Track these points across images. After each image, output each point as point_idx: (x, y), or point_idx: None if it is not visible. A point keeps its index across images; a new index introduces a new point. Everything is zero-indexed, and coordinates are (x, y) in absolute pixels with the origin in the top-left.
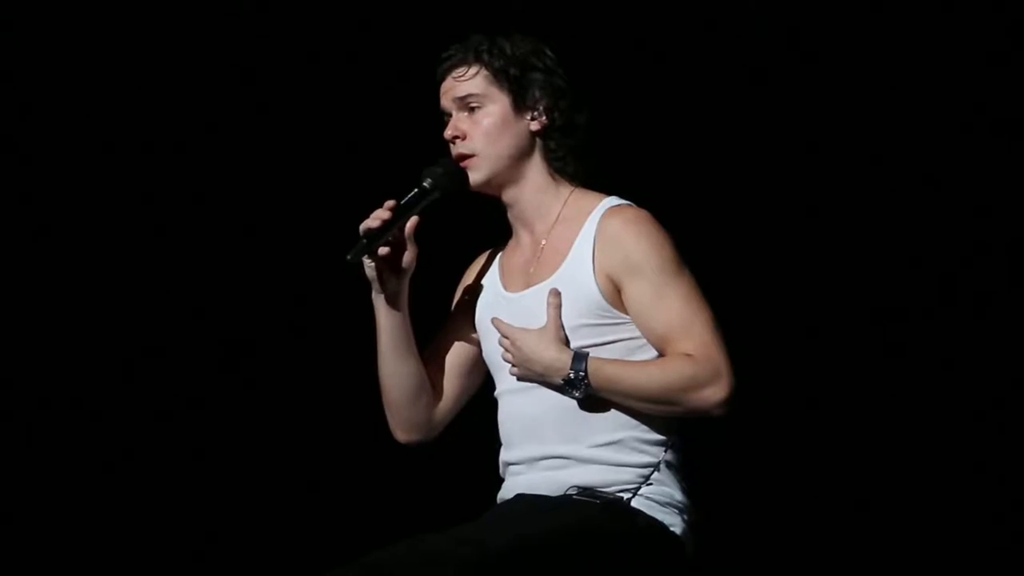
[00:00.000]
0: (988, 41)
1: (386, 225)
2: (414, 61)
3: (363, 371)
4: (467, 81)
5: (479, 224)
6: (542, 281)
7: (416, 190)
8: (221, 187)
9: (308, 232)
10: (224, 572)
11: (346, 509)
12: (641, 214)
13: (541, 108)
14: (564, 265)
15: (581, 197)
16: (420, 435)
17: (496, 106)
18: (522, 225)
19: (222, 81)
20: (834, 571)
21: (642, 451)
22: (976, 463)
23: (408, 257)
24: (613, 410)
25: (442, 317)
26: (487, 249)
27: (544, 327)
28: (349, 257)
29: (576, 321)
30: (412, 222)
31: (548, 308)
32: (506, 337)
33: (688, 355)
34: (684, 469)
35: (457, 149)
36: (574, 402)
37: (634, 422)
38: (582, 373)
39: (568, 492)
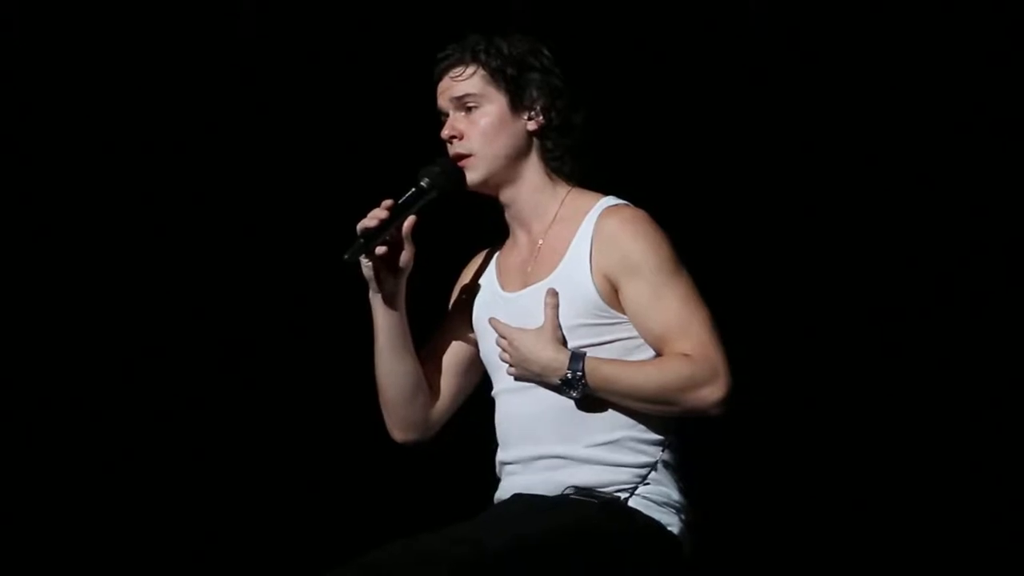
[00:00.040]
0: (988, 41)
1: (384, 224)
2: (413, 61)
3: (360, 370)
4: (464, 81)
5: (476, 224)
6: (539, 281)
7: (413, 189)
8: (221, 187)
9: (306, 231)
10: (224, 572)
11: (344, 509)
12: (638, 214)
13: (538, 108)
14: (561, 265)
15: (578, 197)
16: (417, 434)
17: (493, 106)
18: (519, 225)
19: (222, 81)
20: (832, 571)
21: (639, 451)
22: (975, 463)
23: (405, 256)
24: (610, 410)
25: (439, 316)
26: (484, 249)
27: (541, 327)
28: (347, 256)
29: (573, 321)
30: (410, 221)
31: (546, 308)
32: (503, 337)
33: (686, 355)
34: (681, 469)
35: (454, 149)
36: (571, 402)
37: (631, 422)
38: (579, 373)
39: (565, 492)
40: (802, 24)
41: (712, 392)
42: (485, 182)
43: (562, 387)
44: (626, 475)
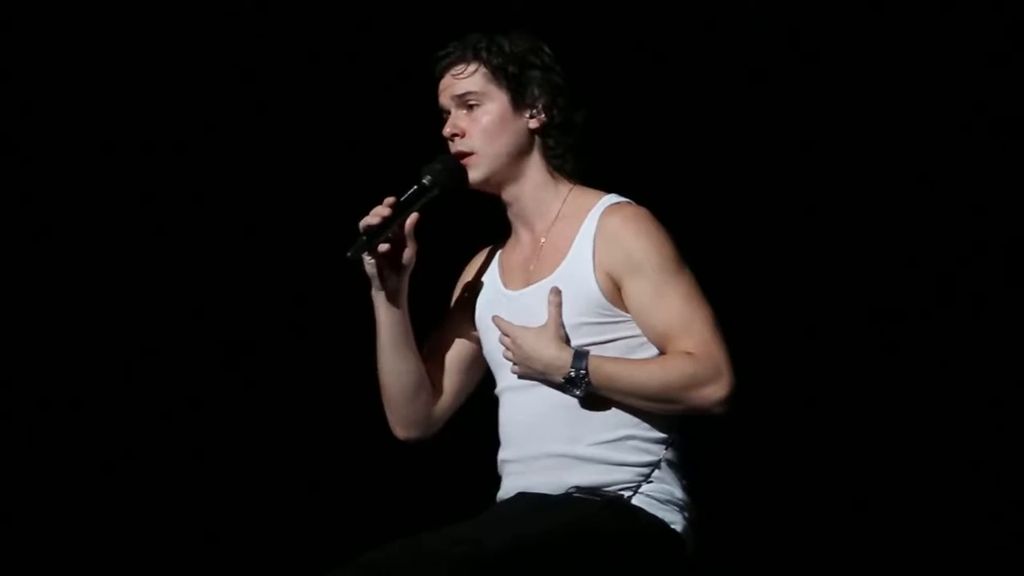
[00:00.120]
0: (988, 41)
1: (386, 222)
2: (413, 61)
3: (363, 368)
4: (466, 79)
5: (478, 221)
6: (542, 279)
7: (415, 187)
8: (221, 187)
9: (308, 230)
10: (224, 572)
11: (345, 508)
12: (641, 212)
13: (540, 106)
14: (564, 263)
15: (581, 195)
16: (419, 432)
17: (495, 104)
18: (522, 223)
19: (222, 81)
20: (834, 569)
21: (643, 450)
22: (975, 462)
23: (408, 254)
24: (614, 408)
25: (441, 314)
26: (486, 246)
27: (544, 325)
28: (349, 254)
29: (576, 319)
30: (412, 219)
31: (549, 306)
32: (507, 335)
33: (688, 353)
34: (685, 467)
35: (456, 147)
36: (575, 401)
37: (635, 420)
38: (583, 371)
39: (568, 492)
40: (802, 24)
41: (715, 391)
42: (487, 180)
43: (565, 385)
44: (629, 474)
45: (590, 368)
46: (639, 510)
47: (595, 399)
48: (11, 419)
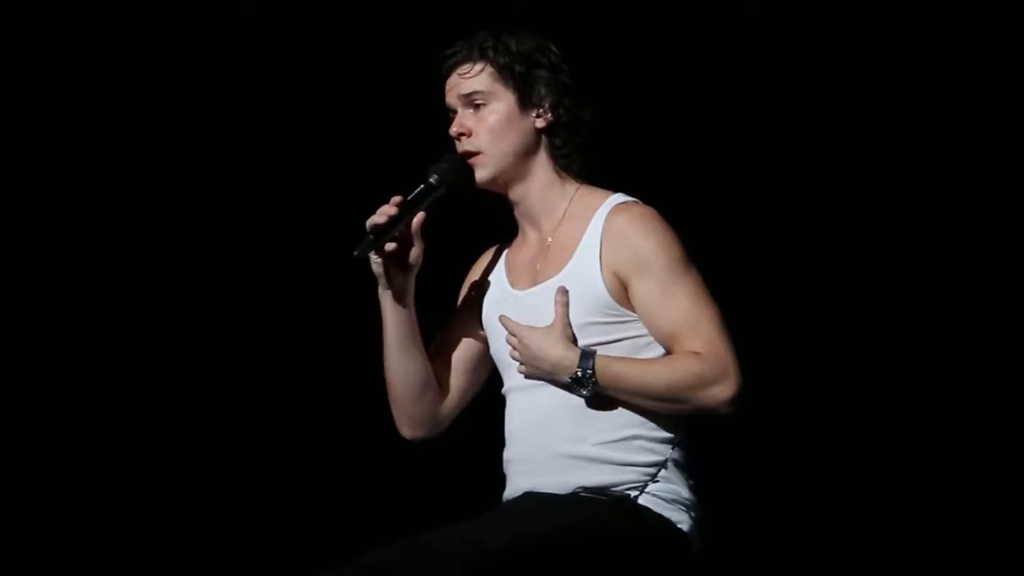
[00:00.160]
0: (988, 41)
1: (392, 221)
2: (415, 60)
3: (369, 367)
4: (472, 78)
5: (485, 221)
6: (549, 278)
7: (422, 186)
8: (222, 186)
9: (314, 229)
10: (224, 572)
11: (346, 508)
12: (648, 211)
13: (546, 105)
14: (571, 262)
15: (587, 194)
16: (425, 431)
17: (501, 103)
18: (528, 222)
19: (222, 81)
20: (840, 569)
21: (649, 450)
22: (977, 462)
23: (415, 253)
24: (620, 408)
25: (448, 313)
26: (493, 245)
27: (551, 325)
28: (356, 253)
29: (583, 319)
30: (418, 218)
31: (556, 306)
32: (514, 335)
33: (695, 353)
34: (691, 467)
35: (462, 146)
36: (581, 400)
37: (641, 420)
38: (589, 371)
39: (575, 491)
40: (802, 24)
41: (722, 390)
42: (494, 180)
43: (572, 385)
44: (635, 474)
45: (597, 368)
46: (645, 510)
47: (602, 399)
48: (11, 419)
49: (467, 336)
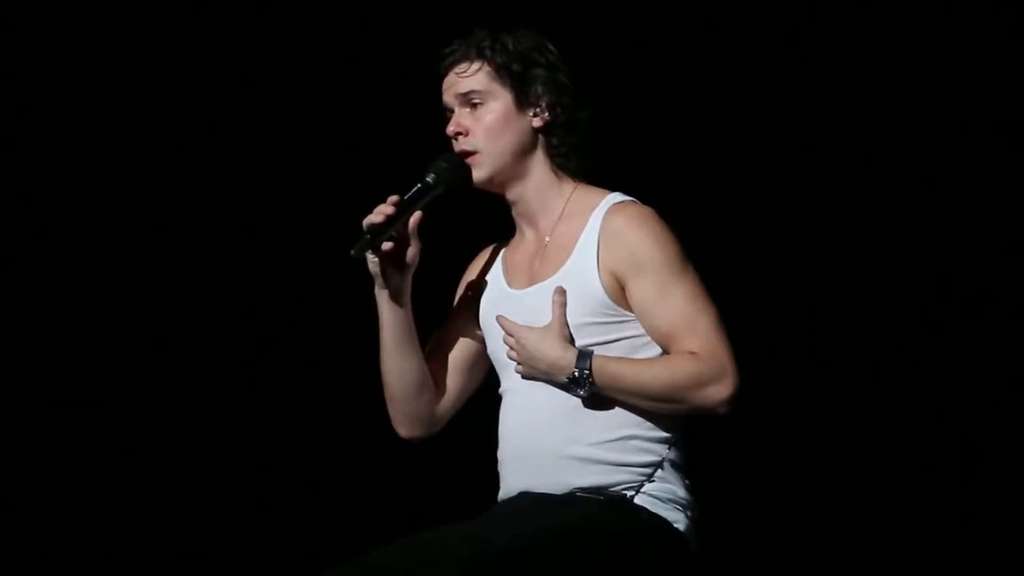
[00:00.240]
0: (988, 41)
1: (389, 220)
2: (414, 60)
3: (366, 366)
4: (469, 77)
5: (482, 220)
6: (547, 278)
7: (419, 185)
8: (222, 187)
9: (311, 229)
10: (224, 572)
11: (345, 508)
12: (645, 211)
13: (543, 104)
14: (569, 262)
15: (585, 193)
16: (422, 430)
17: (498, 102)
18: (526, 221)
19: (222, 81)
20: (836, 568)
21: (646, 450)
22: (976, 462)
23: (411, 252)
24: (617, 408)
25: (445, 313)
26: (490, 245)
27: (549, 325)
28: (353, 252)
29: (580, 319)
30: (415, 217)
31: (553, 306)
32: (511, 335)
33: (693, 353)
34: (688, 467)
35: (459, 145)
36: (578, 400)
37: (638, 420)
38: (586, 371)
39: (571, 491)
40: (802, 24)
41: (719, 390)
42: (491, 180)
43: (569, 385)
44: (631, 474)
45: (594, 368)
46: (642, 509)
47: (598, 399)
48: (12, 419)
49: (464, 335)
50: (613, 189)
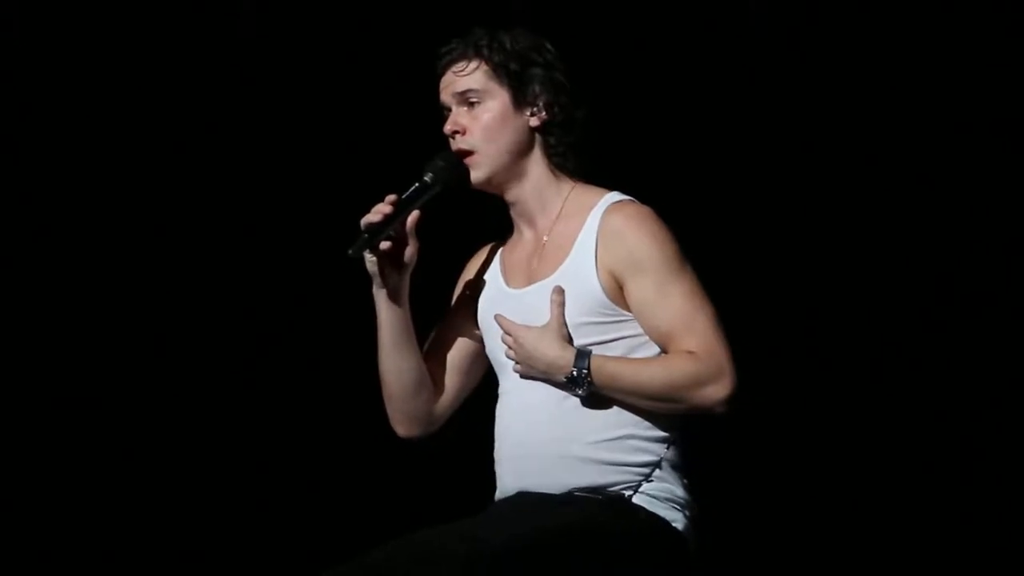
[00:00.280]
0: (988, 41)
1: (387, 219)
2: (414, 60)
3: (364, 366)
4: (467, 76)
5: (480, 219)
6: (545, 277)
7: (417, 184)
8: (222, 186)
9: (310, 228)
10: (224, 572)
11: (344, 508)
12: (644, 210)
13: (541, 104)
14: (567, 261)
15: (583, 192)
16: (420, 429)
17: (495, 101)
18: (524, 221)
19: (222, 81)
20: (834, 568)
21: (643, 449)
22: (975, 462)
23: (409, 252)
24: (615, 407)
25: (442, 312)
26: (488, 244)
27: (547, 324)
28: (351, 252)
29: (578, 319)
30: (413, 216)
31: (551, 305)
32: (509, 334)
33: (691, 352)
34: (686, 466)
35: (457, 144)
36: (575, 400)
37: (635, 419)
38: (585, 371)
39: (569, 491)
40: (802, 24)
41: (717, 390)
42: (489, 181)
43: (567, 384)
44: (629, 474)
45: (592, 367)
46: (640, 509)
47: (596, 398)
48: (12, 419)
49: (462, 335)
50: (612, 188)
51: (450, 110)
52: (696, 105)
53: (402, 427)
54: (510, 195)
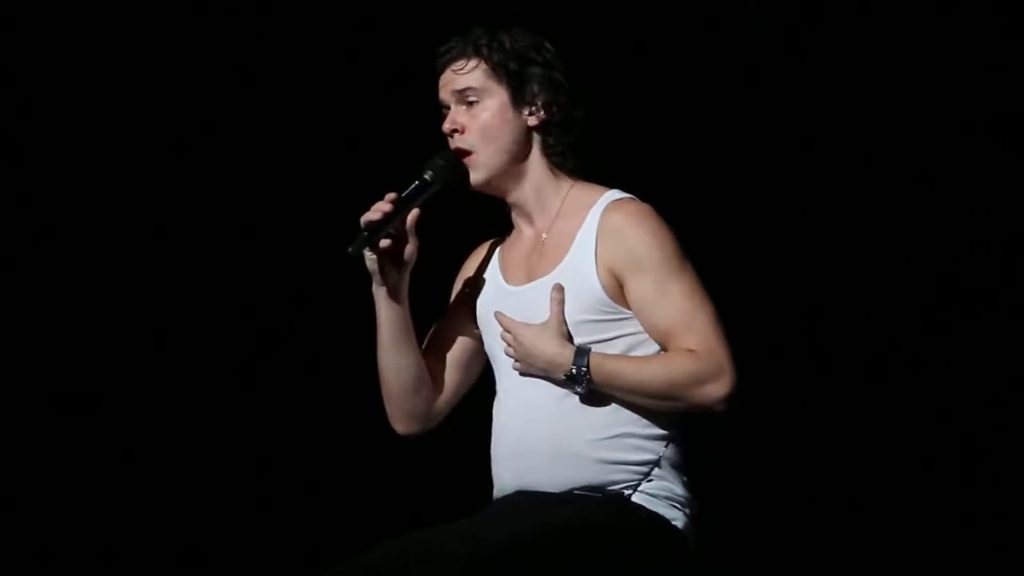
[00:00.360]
0: (988, 41)
1: (387, 217)
2: (413, 60)
3: (363, 363)
4: (466, 74)
5: (480, 217)
6: (544, 275)
7: (417, 183)
8: (222, 186)
9: (309, 227)
10: (224, 572)
11: (344, 507)
12: (643, 208)
13: (539, 103)
14: (567, 259)
15: (582, 190)
16: (419, 426)
17: (494, 100)
18: (523, 219)
19: (222, 81)
20: (834, 567)
21: (642, 447)
22: (975, 461)
23: (409, 250)
24: (613, 405)
25: (442, 309)
26: (487, 241)
27: (546, 322)
28: (350, 250)
29: (578, 317)
30: (413, 215)
31: (551, 303)
32: (508, 331)
33: (691, 351)
34: (685, 464)
35: (455, 143)
36: (574, 398)
37: (634, 418)
38: (584, 368)
39: (568, 489)
40: (802, 24)
41: (717, 388)
42: (488, 183)
43: (567, 382)
44: (628, 472)
45: (592, 365)
46: (640, 507)
47: (595, 396)
48: (12, 419)
49: (461, 332)
50: (614, 187)
51: (449, 108)
52: (696, 105)
53: (401, 424)
54: (509, 195)
